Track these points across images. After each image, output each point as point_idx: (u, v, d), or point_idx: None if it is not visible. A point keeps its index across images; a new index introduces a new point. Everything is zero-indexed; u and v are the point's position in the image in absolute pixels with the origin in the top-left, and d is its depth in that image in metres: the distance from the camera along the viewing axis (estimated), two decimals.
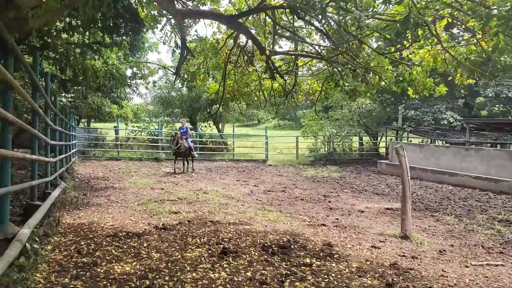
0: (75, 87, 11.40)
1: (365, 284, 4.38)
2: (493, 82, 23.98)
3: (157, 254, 4.99)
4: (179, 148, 14.88)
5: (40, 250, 4.53)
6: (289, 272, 4.57)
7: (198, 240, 5.79)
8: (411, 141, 25.70)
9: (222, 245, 5.52)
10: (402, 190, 7.04)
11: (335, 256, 5.35)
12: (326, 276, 4.54)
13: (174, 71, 6.16)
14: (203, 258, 4.94)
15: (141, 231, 6.10)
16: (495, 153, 15.75)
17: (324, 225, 7.52)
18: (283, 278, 4.35)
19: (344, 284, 4.31)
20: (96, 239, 5.49)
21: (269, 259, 5.06)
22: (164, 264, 4.60)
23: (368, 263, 5.16)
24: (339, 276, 4.58)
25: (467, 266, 5.37)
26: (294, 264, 4.93)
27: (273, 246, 5.61)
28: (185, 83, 6.19)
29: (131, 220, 6.94)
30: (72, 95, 13.20)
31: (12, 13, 4.10)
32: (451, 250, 6.19)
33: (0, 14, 3.97)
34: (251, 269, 4.64)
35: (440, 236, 7.24)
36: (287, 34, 6.81)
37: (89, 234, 5.74)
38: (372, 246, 6.04)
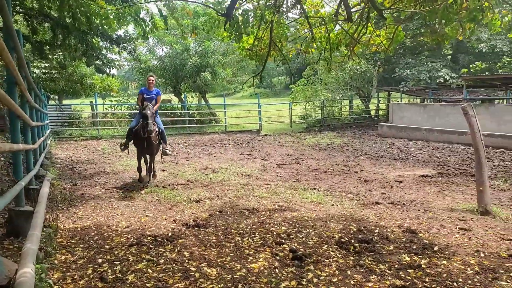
0: (54, 53, 9.32)
1: None
2: (486, 36, 23.23)
3: (210, 269, 3.61)
4: (148, 137, 7.23)
5: None
6: (403, 283, 3.32)
7: (250, 239, 4.43)
8: (409, 101, 24.89)
9: (286, 246, 4.20)
10: (476, 156, 5.88)
11: (435, 248, 4.14)
12: (454, 283, 3.32)
13: (219, 11, 4.52)
14: (276, 269, 3.61)
15: (170, 233, 4.67)
16: (505, 108, 15.00)
17: (377, 203, 6.32)
18: None
19: None
20: (116, 252, 4.03)
21: (361, 261, 3.79)
22: (233, 287, 3.23)
23: (482, 255, 3.98)
24: (469, 282, 3.36)
25: None
26: (396, 266, 3.69)
27: (352, 240, 4.34)
28: (235, 33, 4.56)
29: (148, 216, 5.48)
30: (46, 64, 10.83)
31: None
32: None
33: None
34: (350, 281, 3.35)
35: (511, 205, 6.21)
36: None
37: (104, 245, 4.26)
38: (460, 229, 4.89)
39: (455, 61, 27.41)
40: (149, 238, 4.45)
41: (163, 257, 3.87)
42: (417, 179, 8.49)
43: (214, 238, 4.50)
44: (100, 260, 3.78)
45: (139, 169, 7.66)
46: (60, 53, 9.46)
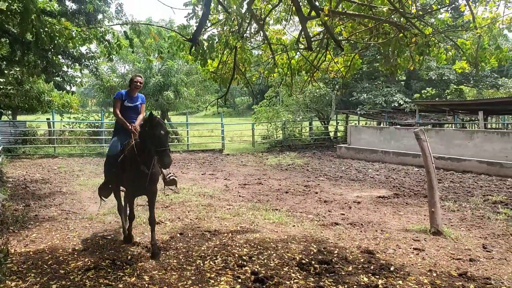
0: (11, 68, 8.86)
1: None
2: (435, 65, 24.86)
3: None
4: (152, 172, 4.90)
5: None
6: None
7: (211, 262, 4.42)
8: (366, 123, 25.87)
9: (248, 268, 4.22)
10: (428, 179, 6.23)
11: (391, 268, 4.33)
12: None
13: (185, 37, 4.54)
14: None
15: (129, 256, 4.56)
16: (454, 133, 16.00)
17: (337, 223, 6.50)
18: None
19: None
20: (72, 277, 3.89)
21: (321, 282, 3.88)
22: None
23: (434, 275, 4.21)
24: None
25: None
26: (354, 287, 3.81)
27: (312, 262, 4.44)
28: (200, 57, 4.58)
29: (106, 238, 5.32)
30: (1, 80, 10.30)
31: None
32: (491, 245, 5.49)
33: None
34: None
35: (461, 226, 6.59)
36: None
37: (58, 269, 4.09)
38: (415, 249, 5.13)
39: (408, 86, 29.00)
40: (107, 261, 4.33)
41: (122, 281, 3.78)
42: (374, 200, 8.81)
43: (175, 261, 4.45)
44: (54, 287, 3.63)
45: (130, 218, 5.16)
46: (18, 69, 9.09)
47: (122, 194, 5.63)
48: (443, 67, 24.64)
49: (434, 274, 4.21)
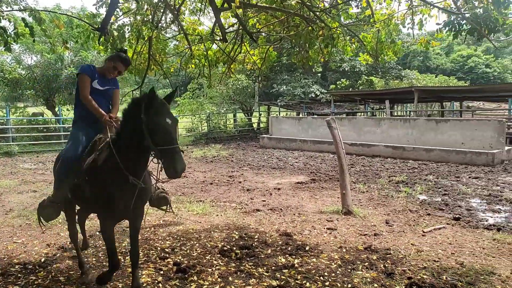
0: None
1: (366, 278, 3.80)
2: (348, 57, 26.56)
3: None
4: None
5: None
6: (278, 282, 3.67)
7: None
8: (286, 114, 26.79)
9: (170, 260, 4.25)
10: (339, 164, 6.74)
11: (306, 248, 4.66)
12: (321, 277, 3.79)
13: (93, 26, 4.25)
14: (160, 284, 3.65)
15: (42, 258, 4.32)
16: (364, 121, 17.35)
17: (258, 210, 6.75)
18: None
19: (350, 285, 3.65)
20: None
21: (241, 267, 4.06)
22: None
23: (344, 250, 4.62)
24: (333, 275, 3.89)
25: (424, 235, 5.31)
26: (273, 268, 4.05)
27: (234, 248, 4.59)
28: (110, 48, 4.30)
29: (16, 243, 4.94)
30: None
31: None
32: (393, 220, 6.14)
33: None
34: (232, 287, 3.58)
35: (369, 206, 7.24)
36: None
37: None
38: (328, 229, 5.56)
39: (325, 78, 30.66)
40: (17, 266, 4.05)
41: (34, 286, 3.57)
42: (293, 186, 9.28)
43: (94, 259, 4.31)
44: None
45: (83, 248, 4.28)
46: None
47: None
48: (355, 60, 26.45)
49: (344, 250, 4.63)
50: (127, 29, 4.58)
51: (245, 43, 6.26)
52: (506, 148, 12.70)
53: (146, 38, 5.09)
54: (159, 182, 3.34)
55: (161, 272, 3.94)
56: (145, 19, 5.01)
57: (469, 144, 12.81)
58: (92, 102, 3.66)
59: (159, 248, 4.66)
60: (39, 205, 3.85)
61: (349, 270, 4.01)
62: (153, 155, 3.04)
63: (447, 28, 4.48)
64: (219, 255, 4.43)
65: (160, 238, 5.10)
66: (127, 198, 3.17)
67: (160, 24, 5.40)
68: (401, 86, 26.07)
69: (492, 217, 6.29)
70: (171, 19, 5.53)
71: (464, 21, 4.21)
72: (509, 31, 4.61)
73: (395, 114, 27.23)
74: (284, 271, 3.98)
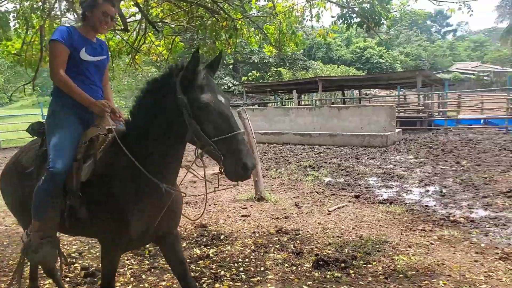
0: None
1: (277, 259, 4.00)
2: (257, 49, 27.23)
3: None
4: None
5: None
6: (193, 274, 3.69)
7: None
8: None
9: (78, 265, 4.00)
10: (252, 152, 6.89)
11: (221, 237, 4.73)
12: (235, 264, 3.90)
13: None
14: None
15: None
16: (275, 110, 18.01)
17: None
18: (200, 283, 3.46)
19: (263, 268, 3.80)
20: None
21: (155, 263, 3.99)
22: None
23: (257, 235, 4.79)
24: (247, 260, 4.02)
25: (329, 214, 5.74)
26: (188, 260, 4.04)
27: (147, 246, 4.47)
28: None
29: None
30: None
31: None
32: (302, 202, 6.51)
33: None
34: (145, 285, 3.51)
35: (280, 190, 7.58)
36: None
37: None
38: (242, 216, 5.70)
39: (236, 70, 31.03)
40: None
41: None
42: (209, 177, 9.27)
43: None
44: None
45: None
46: None
47: None
48: (263, 51, 27.21)
49: (257, 235, 4.80)
50: (13, 16, 4.11)
51: (149, 33, 6.05)
52: (397, 130, 14.25)
53: (37, 27, 4.62)
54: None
55: (67, 279, 3.68)
56: (34, 5, 4.55)
57: (366, 128, 14.09)
58: (70, 82, 2.50)
59: (65, 254, 4.34)
60: (26, 247, 2.49)
61: (262, 254, 4.17)
62: (195, 152, 2.25)
63: (340, 21, 4.87)
64: (131, 254, 4.28)
65: (65, 243, 4.75)
66: (156, 213, 2.37)
67: (53, 12, 4.95)
68: (307, 77, 27.52)
69: (386, 192, 7.03)
70: (66, 6, 5.11)
71: (354, 15, 4.61)
72: (390, 25, 5.17)
73: (302, 103, 28.74)
74: (199, 262, 4.00)
